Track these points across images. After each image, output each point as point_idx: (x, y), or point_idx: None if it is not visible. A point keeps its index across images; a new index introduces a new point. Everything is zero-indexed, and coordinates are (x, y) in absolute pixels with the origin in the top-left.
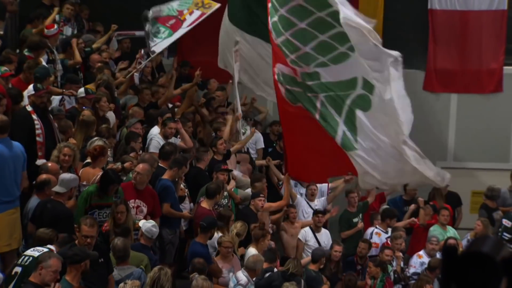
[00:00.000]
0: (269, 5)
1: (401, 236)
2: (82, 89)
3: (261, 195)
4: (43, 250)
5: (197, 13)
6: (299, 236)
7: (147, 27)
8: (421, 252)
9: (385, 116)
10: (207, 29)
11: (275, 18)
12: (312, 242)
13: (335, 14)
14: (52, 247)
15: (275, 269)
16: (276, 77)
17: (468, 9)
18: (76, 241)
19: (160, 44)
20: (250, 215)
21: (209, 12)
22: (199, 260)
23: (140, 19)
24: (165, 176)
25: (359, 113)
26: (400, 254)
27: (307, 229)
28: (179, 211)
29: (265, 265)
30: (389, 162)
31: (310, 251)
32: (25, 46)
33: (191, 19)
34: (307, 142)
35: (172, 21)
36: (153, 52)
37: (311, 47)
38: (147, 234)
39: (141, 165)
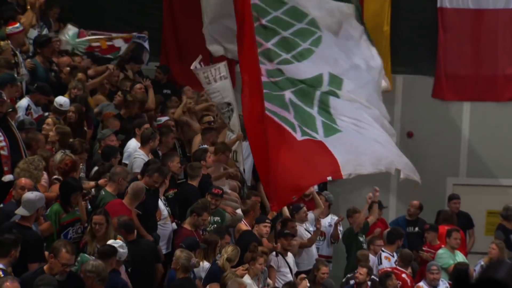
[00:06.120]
0: None
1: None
2: (67, 101)
3: (266, 220)
4: None
5: None
6: (272, 264)
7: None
8: (421, 283)
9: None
10: (190, 34)
11: None
12: (283, 267)
13: (292, 11)
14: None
15: None
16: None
17: (482, 7)
18: (46, 268)
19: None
20: (253, 240)
21: None
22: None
23: (120, 20)
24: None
25: (332, 100)
26: None
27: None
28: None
29: None
30: (369, 143)
31: (283, 277)
32: None
33: None
34: (279, 155)
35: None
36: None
37: (272, 43)
38: None
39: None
